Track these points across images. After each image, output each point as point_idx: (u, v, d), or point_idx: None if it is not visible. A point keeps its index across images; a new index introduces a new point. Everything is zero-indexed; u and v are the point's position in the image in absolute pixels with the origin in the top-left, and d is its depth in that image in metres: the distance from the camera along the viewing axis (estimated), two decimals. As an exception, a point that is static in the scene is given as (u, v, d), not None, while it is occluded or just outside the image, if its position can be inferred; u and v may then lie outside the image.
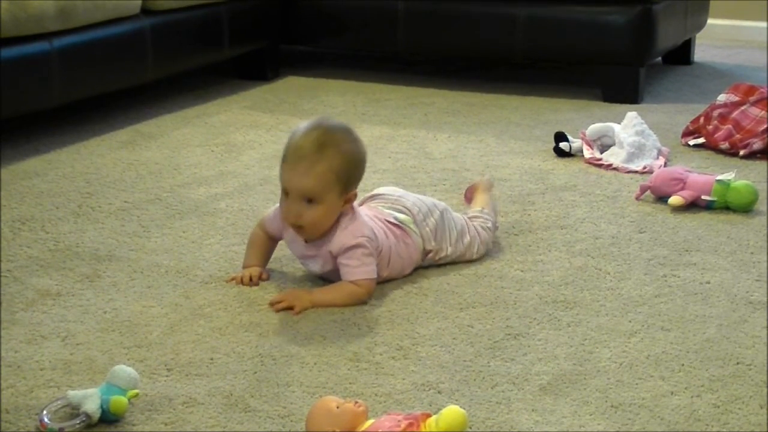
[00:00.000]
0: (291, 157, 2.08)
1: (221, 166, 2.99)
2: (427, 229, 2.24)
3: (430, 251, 2.25)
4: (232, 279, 2.19)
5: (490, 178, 2.64)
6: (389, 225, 2.20)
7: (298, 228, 2.11)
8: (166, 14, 3.52)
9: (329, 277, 2.17)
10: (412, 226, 2.23)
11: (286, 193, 2.09)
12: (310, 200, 2.06)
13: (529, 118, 3.60)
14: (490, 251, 2.36)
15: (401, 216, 2.23)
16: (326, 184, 2.05)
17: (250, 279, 2.17)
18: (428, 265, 2.27)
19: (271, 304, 2.05)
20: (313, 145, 2.06)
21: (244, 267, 2.21)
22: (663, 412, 1.70)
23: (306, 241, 2.15)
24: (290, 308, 2.04)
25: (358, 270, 2.09)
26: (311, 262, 2.17)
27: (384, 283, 2.18)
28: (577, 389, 1.77)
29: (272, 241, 2.24)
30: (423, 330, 1.98)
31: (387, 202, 2.26)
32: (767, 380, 1.80)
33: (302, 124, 2.12)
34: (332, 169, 2.05)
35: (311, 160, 2.05)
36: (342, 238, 2.10)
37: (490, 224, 2.37)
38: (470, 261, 2.30)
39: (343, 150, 2.07)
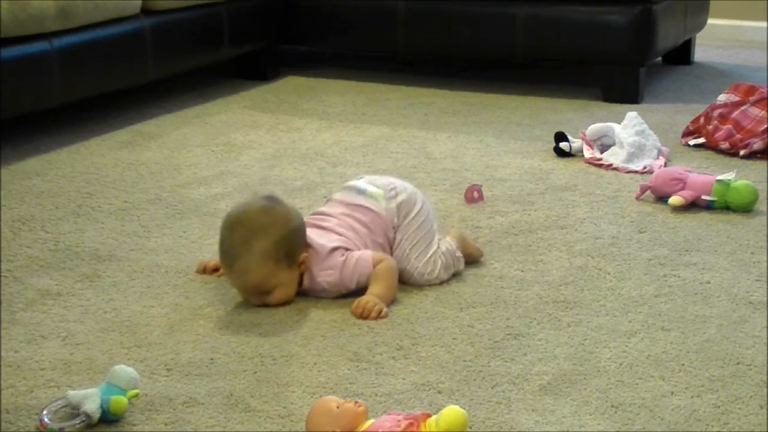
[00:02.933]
0: (225, 265, 2.07)
1: (221, 166, 2.99)
2: (393, 204, 2.19)
3: (394, 228, 2.19)
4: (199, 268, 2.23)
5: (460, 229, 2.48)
6: (356, 212, 2.18)
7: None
8: (166, 14, 3.52)
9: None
10: (381, 199, 2.20)
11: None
12: (265, 291, 2.06)
13: (529, 118, 3.60)
14: (490, 251, 2.36)
15: (371, 190, 2.21)
16: (270, 272, 2.03)
17: (205, 270, 2.22)
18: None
19: (360, 312, 2.03)
20: (239, 243, 2.03)
21: None
22: (663, 412, 1.70)
23: None
24: (378, 313, 2.03)
25: (363, 266, 2.09)
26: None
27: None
28: (577, 389, 1.77)
29: None
30: (423, 330, 1.98)
31: (362, 180, 2.25)
32: (767, 380, 1.80)
33: (223, 221, 2.08)
34: (268, 256, 2.03)
35: (243, 259, 2.02)
36: (325, 278, 2.09)
37: (453, 249, 2.24)
38: (431, 284, 2.18)
39: (269, 233, 2.04)
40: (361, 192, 2.22)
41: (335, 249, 2.11)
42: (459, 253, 2.25)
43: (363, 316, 2.02)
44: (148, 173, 2.90)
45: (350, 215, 2.19)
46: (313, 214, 2.23)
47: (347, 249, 2.12)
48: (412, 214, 2.21)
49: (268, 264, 2.03)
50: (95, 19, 3.21)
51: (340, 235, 2.15)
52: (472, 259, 2.30)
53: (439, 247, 2.21)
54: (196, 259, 2.29)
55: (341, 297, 2.11)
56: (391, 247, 2.19)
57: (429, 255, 2.19)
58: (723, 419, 1.68)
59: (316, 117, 3.57)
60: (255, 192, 2.15)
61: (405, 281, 2.17)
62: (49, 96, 3.08)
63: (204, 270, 2.22)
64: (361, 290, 2.09)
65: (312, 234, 2.13)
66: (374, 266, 2.10)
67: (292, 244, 2.07)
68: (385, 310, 2.03)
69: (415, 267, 2.17)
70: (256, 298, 2.07)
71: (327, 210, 2.22)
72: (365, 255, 2.11)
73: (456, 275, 2.23)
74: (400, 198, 2.21)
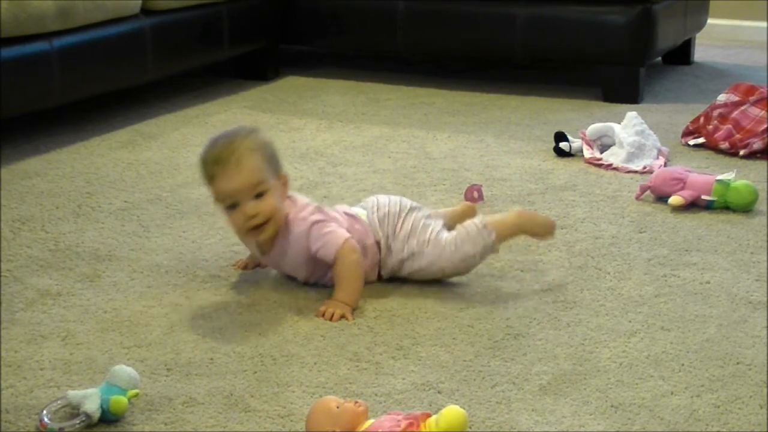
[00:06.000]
0: (216, 169, 2.06)
1: (221, 166, 2.98)
2: (375, 218, 2.20)
3: (378, 242, 2.19)
4: (236, 264, 2.26)
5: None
6: (342, 214, 2.20)
7: (259, 229, 2.08)
8: (166, 14, 3.52)
9: (321, 281, 2.17)
10: (363, 217, 2.21)
11: (232, 205, 2.07)
12: (257, 195, 2.06)
13: (529, 118, 3.60)
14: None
15: (356, 210, 2.23)
16: (262, 169, 2.05)
17: (245, 266, 2.24)
18: (390, 277, 2.20)
19: (322, 316, 2.03)
20: (225, 148, 2.06)
21: (251, 252, 2.25)
22: (663, 412, 1.70)
23: (263, 253, 2.15)
24: (340, 318, 2.03)
25: (333, 242, 2.08)
26: (287, 269, 2.17)
27: (382, 282, 2.18)
28: (577, 389, 1.77)
29: None
30: (423, 330, 1.98)
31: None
32: (767, 380, 1.80)
33: (201, 149, 2.10)
34: (257, 156, 2.06)
35: (235, 158, 2.04)
36: (296, 228, 2.10)
37: (473, 227, 2.21)
38: (445, 276, 2.19)
39: (251, 140, 2.07)
40: (349, 212, 2.22)
41: (317, 210, 2.11)
42: (479, 227, 2.19)
43: (326, 318, 2.02)
44: (148, 173, 2.90)
45: (336, 211, 2.20)
46: None
47: (325, 220, 2.11)
48: (401, 221, 2.21)
49: (260, 162, 2.05)
50: (95, 19, 3.21)
51: (322, 208, 2.15)
52: (541, 233, 2.29)
53: (436, 231, 2.20)
54: (196, 259, 2.29)
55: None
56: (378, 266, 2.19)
57: (422, 239, 2.18)
58: (723, 419, 1.68)
59: (316, 117, 3.57)
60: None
61: (443, 276, 2.18)
62: (49, 96, 3.08)
63: (245, 266, 2.25)
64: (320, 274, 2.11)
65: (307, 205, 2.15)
66: (342, 249, 2.07)
67: (274, 154, 2.11)
68: (349, 316, 2.03)
69: (438, 255, 2.17)
70: (251, 208, 2.05)
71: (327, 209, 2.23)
72: (339, 232, 2.10)
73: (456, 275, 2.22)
74: (381, 212, 2.21)
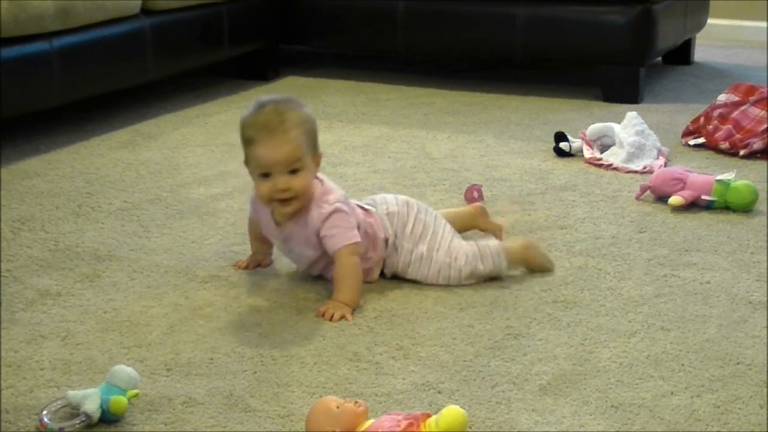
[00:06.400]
0: (260, 135, 2.05)
1: (221, 166, 2.99)
2: (385, 214, 2.21)
3: (387, 239, 2.19)
4: (236, 264, 2.25)
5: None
6: (356, 207, 2.21)
7: (285, 202, 2.07)
8: (166, 14, 3.52)
9: (323, 274, 2.17)
10: (374, 211, 2.21)
11: (265, 174, 2.06)
12: (293, 170, 2.05)
13: (529, 118, 3.60)
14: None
15: (367, 205, 2.24)
16: (303, 147, 2.05)
17: (246, 266, 2.24)
18: (391, 277, 2.21)
19: (322, 316, 2.03)
20: (274, 116, 2.05)
21: (252, 252, 2.27)
22: (663, 412, 1.70)
23: (278, 225, 2.14)
24: (340, 318, 2.03)
25: (341, 237, 2.08)
26: (295, 249, 2.16)
27: (382, 282, 2.18)
28: (577, 389, 1.77)
29: None
30: (423, 330, 1.98)
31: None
32: (767, 380, 1.80)
33: (247, 110, 2.10)
34: (302, 132, 2.05)
35: (282, 129, 2.04)
36: (317, 208, 2.09)
37: (486, 249, 2.22)
38: (449, 284, 2.19)
39: (300, 113, 2.07)
40: (362, 206, 2.23)
41: (343, 200, 2.11)
42: (494, 251, 2.21)
43: (326, 318, 2.02)
44: (148, 173, 2.90)
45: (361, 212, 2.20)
46: None
47: (348, 215, 2.10)
48: (411, 222, 2.21)
49: (303, 139, 2.05)
50: (95, 19, 3.21)
51: (347, 201, 2.15)
52: (492, 233, 2.36)
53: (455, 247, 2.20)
54: (196, 259, 2.30)
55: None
56: (371, 263, 2.19)
57: (454, 252, 2.19)
58: (723, 419, 1.68)
59: (316, 117, 3.55)
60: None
61: (445, 284, 2.18)
62: (49, 96, 3.08)
63: (245, 266, 2.25)
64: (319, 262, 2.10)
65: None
66: (345, 249, 2.07)
67: (315, 133, 2.10)
68: (348, 316, 2.03)
69: (428, 268, 2.18)
70: (283, 181, 2.04)
71: None
72: (352, 233, 2.09)
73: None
74: (390, 210, 2.21)
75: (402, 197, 2.27)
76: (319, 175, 2.14)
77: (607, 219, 2.60)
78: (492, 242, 2.25)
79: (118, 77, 3.38)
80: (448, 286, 2.18)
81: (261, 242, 2.26)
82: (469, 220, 2.41)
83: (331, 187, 2.13)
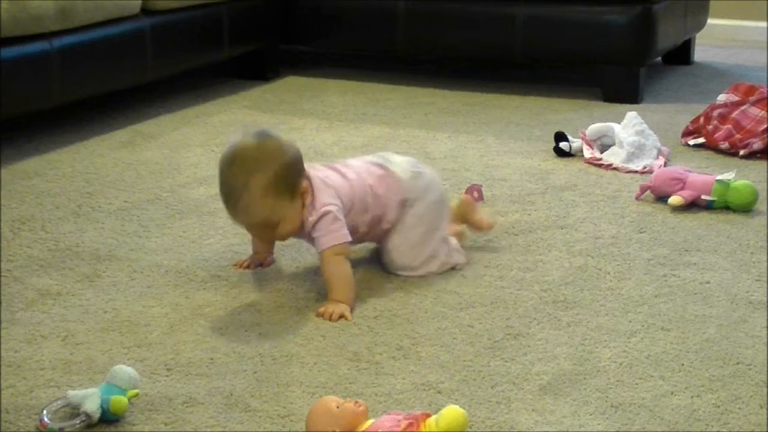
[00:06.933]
0: (225, 201, 2.08)
1: (221, 166, 2.98)
2: (409, 174, 2.23)
3: (407, 200, 2.21)
4: (237, 264, 2.26)
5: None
6: (368, 163, 2.23)
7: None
8: (166, 14, 3.52)
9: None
10: (397, 168, 2.23)
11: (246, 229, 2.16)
12: (270, 226, 2.09)
13: (529, 118, 3.60)
14: (490, 251, 2.36)
15: (398, 159, 2.26)
16: (272, 207, 2.05)
17: (248, 266, 2.25)
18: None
19: (321, 316, 2.04)
20: (237, 183, 2.04)
21: (253, 252, 2.27)
22: (663, 412, 1.70)
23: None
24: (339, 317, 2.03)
25: (326, 238, 2.09)
26: (305, 243, 2.23)
27: (382, 282, 2.18)
28: (577, 389, 1.77)
29: None
30: (423, 330, 1.98)
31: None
32: (767, 380, 1.80)
33: (220, 160, 2.09)
34: (268, 192, 2.04)
35: (245, 198, 2.04)
36: (308, 215, 2.10)
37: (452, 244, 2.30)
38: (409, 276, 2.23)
39: (266, 169, 2.04)
40: (388, 160, 2.26)
41: (331, 202, 2.11)
42: (456, 246, 2.29)
43: (325, 318, 2.03)
44: (148, 173, 2.90)
45: (370, 173, 2.21)
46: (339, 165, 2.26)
47: (336, 217, 2.10)
48: (424, 202, 2.23)
49: (269, 200, 2.05)
50: (95, 19, 3.21)
51: (339, 193, 2.14)
52: (479, 229, 2.41)
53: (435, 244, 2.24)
54: (196, 259, 2.30)
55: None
56: (389, 224, 2.21)
57: (422, 249, 2.22)
58: (723, 419, 1.68)
59: (316, 117, 3.57)
60: (246, 127, 2.15)
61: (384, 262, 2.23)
62: (49, 96, 3.08)
63: (245, 266, 2.27)
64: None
65: (323, 177, 2.15)
66: (331, 251, 2.08)
67: (290, 177, 2.08)
68: (348, 315, 2.03)
69: (399, 256, 2.22)
70: (265, 235, 2.14)
71: (352, 162, 2.26)
72: (340, 233, 2.10)
73: (456, 275, 2.23)
74: (420, 171, 2.25)
75: (432, 175, 2.29)
76: (311, 173, 2.13)
77: (607, 219, 2.60)
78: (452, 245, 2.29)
79: (118, 77, 3.37)
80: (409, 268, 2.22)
81: (264, 242, 2.26)
82: (460, 215, 2.41)
83: (319, 189, 2.12)
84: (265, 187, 2.04)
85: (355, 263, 2.20)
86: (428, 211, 2.24)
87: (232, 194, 2.06)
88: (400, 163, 2.25)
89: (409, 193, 2.22)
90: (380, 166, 2.23)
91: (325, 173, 2.17)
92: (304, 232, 2.13)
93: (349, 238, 2.12)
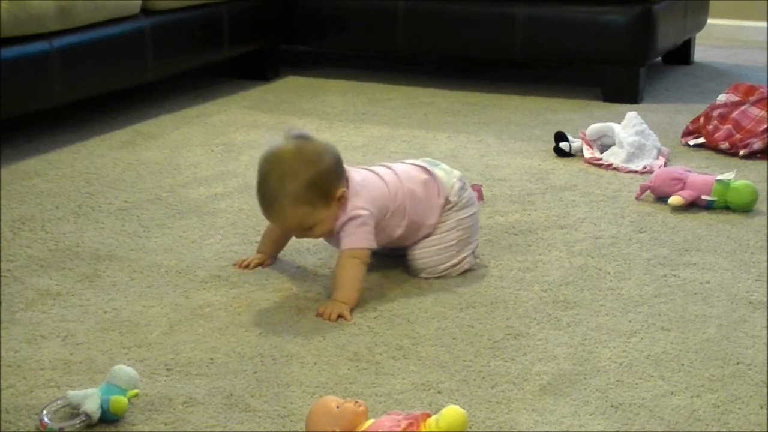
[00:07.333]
0: (262, 204, 2.10)
1: (221, 166, 2.99)
2: (456, 181, 2.25)
3: (450, 204, 2.23)
4: (238, 263, 2.26)
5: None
6: (413, 167, 2.24)
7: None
8: (166, 14, 3.52)
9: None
10: (442, 173, 2.24)
11: None
12: (305, 229, 2.11)
13: (529, 118, 3.60)
14: (490, 251, 2.36)
15: (444, 166, 2.28)
16: (305, 214, 2.07)
17: (248, 265, 2.25)
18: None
19: (321, 316, 2.04)
20: (274, 187, 2.06)
21: (258, 251, 2.29)
22: (663, 412, 1.70)
23: None
24: (338, 317, 2.04)
25: (349, 239, 2.11)
26: (334, 244, 2.22)
27: (381, 282, 2.18)
28: (577, 389, 1.77)
29: (284, 234, 2.25)
30: (423, 330, 1.98)
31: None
32: (767, 380, 1.80)
33: (259, 163, 2.10)
34: (302, 199, 2.05)
35: (280, 202, 2.05)
36: (341, 216, 2.12)
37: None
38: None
39: (301, 175, 2.05)
40: (433, 164, 2.28)
41: (353, 216, 2.11)
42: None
43: (324, 318, 2.03)
44: (148, 173, 2.90)
45: (412, 177, 2.22)
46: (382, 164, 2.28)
47: (364, 222, 2.11)
48: (466, 210, 2.25)
49: (302, 207, 2.06)
50: (95, 19, 3.21)
51: (374, 200, 2.15)
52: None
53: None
54: (196, 259, 2.30)
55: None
56: (429, 229, 2.22)
57: (452, 254, 2.23)
58: (723, 419, 1.68)
59: (316, 117, 3.57)
60: (288, 130, 2.15)
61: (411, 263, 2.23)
62: (49, 96, 3.08)
63: (246, 266, 2.26)
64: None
65: (361, 180, 2.16)
66: (351, 252, 2.10)
67: (325, 184, 2.08)
68: (347, 315, 2.03)
69: (429, 254, 2.22)
70: (300, 235, 2.16)
71: (395, 165, 2.27)
72: (364, 236, 2.11)
73: (456, 275, 2.22)
74: (465, 183, 2.27)
75: (473, 194, 2.31)
76: (350, 175, 2.14)
77: (607, 219, 2.60)
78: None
79: (118, 77, 3.37)
80: (436, 269, 2.22)
81: (274, 243, 2.26)
82: None
83: (354, 193, 2.12)
84: (298, 194, 2.05)
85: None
86: (467, 220, 2.25)
87: (266, 198, 2.08)
88: (446, 169, 2.27)
89: (453, 197, 2.23)
90: (425, 170, 2.24)
91: (363, 176, 2.18)
92: (334, 232, 2.13)
93: (373, 245, 2.13)
